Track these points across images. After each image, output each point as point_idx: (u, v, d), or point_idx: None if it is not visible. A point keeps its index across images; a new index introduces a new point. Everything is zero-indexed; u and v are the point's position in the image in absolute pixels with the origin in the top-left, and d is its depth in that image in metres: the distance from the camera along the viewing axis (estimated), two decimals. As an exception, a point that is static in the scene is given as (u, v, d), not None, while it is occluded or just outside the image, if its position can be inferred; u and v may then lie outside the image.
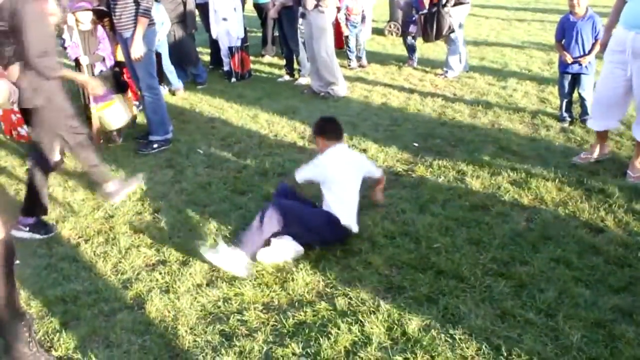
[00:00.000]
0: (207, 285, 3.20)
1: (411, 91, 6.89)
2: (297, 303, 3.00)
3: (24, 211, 3.89)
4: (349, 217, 3.48)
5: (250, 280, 3.19)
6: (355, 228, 3.52)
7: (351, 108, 6.33)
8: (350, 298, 3.00)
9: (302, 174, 3.62)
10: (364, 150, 4.99)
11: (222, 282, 3.19)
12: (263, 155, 5.04)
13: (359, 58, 8.48)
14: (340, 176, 3.51)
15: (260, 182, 4.45)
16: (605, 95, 4.34)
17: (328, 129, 3.69)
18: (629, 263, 3.16)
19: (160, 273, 3.33)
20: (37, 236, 3.86)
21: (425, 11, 7.27)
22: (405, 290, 3.03)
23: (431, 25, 7.29)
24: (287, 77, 7.89)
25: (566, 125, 5.39)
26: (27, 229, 3.87)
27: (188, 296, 3.09)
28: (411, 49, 8.24)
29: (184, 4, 7.32)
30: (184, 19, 7.34)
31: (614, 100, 4.26)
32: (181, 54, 7.43)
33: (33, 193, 3.85)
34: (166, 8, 6.93)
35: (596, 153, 4.54)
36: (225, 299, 3.05)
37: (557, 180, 4.21)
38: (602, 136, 4.52)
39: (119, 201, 4.17)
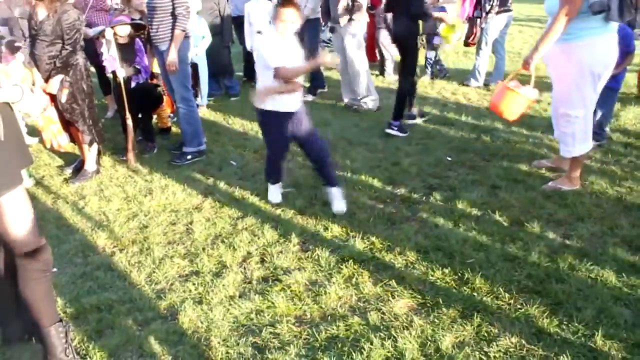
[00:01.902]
0: (240, 296, 3.21)
1: (444, 104, 6.86)
2: (329, 317, 2.99)
3: (394, 116, 5.76)
4: None
5: (282, 293, 3.20)
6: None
7: (383, 121, 6.30)
8: (383, 313, 2.98)
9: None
10: (397, 163, 4.97)
11: (255, 294, 3.20)
12: (295, 167, 5.06)
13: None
14: None
15: (293, 194, 4.46)
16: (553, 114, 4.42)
17: None
18: (670, 283, 3.08)
19: (194, 284, 3.36)
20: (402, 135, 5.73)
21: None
22: (439, 306, 3.00)
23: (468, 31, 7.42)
24: (309, 97, 7.56)
25: (604, 141, 5.27)
26: (396, 129, 5.75)
27: (221, 307, 3.11)
28: (433, 62, 8.25)
29: (222, 17, 7.43)
30: (220, 31, 7.45)
31: None
32: (217, 65, 7.53)
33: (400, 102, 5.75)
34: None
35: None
36: (257, 311, 3.06)
37: (594, 196, 4.13)
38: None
39: None
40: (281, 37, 3.93)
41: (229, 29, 7.70)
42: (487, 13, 7.04)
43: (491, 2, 7.03)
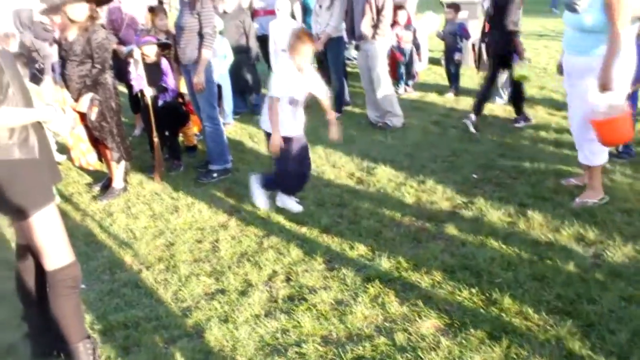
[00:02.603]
0: (266, 315, 3.20)
1: (469, 121, 6.80)
2: (355, 337, 2.96)
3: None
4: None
5: (308, 312, 3.18)
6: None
7: (409, 138, 6.29)
8: (410, 333, 2.94)
9: None
10: (422, 182, 4.94)
11: (281, 313, 3.19)
12: (321, 185, 5.05)
13: (407, 84, 8.48)
14: None
15: (318, 213, 4.45)
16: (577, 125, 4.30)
17: None
18: None
19: (220, 302, 3.36)
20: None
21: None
22: (466, 327, 2.95)
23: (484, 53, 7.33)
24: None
25: (632, 157, 5.15)
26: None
27: (246, 326, 3.10)
28: (454, 78, 8.21)
29: (247, 36, 7.51)
30: (246, 50, 7.52)
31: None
32: (243, 82, 7.61)
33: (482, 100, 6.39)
34: (229, 39, 7.13)
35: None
36: (283, 331, 3.05)
37: (625, 214, 4.05)
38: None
39: None
40: (298, 71, 4.24)
41: (254, 48, 7.78)
42: None
43: None
